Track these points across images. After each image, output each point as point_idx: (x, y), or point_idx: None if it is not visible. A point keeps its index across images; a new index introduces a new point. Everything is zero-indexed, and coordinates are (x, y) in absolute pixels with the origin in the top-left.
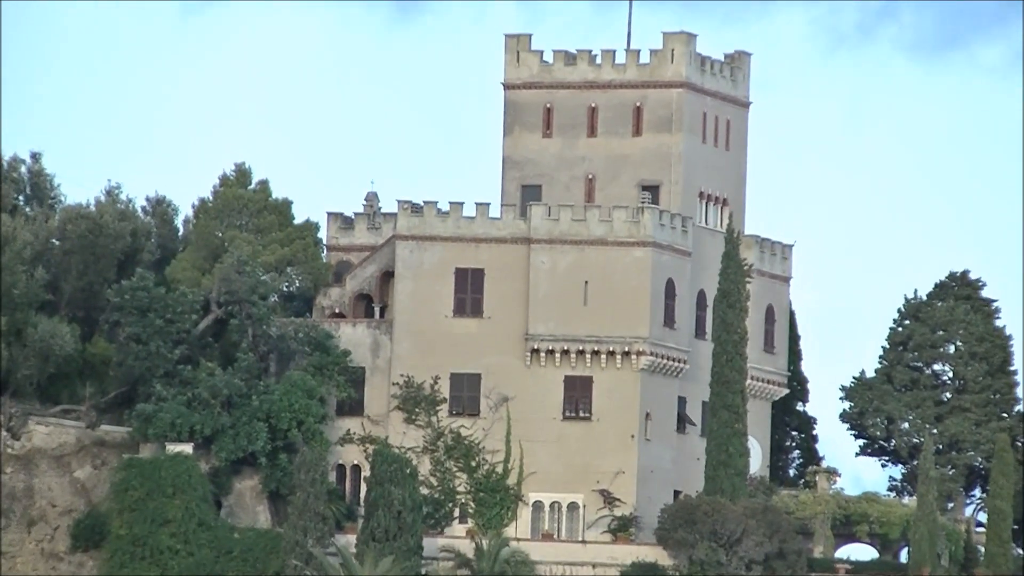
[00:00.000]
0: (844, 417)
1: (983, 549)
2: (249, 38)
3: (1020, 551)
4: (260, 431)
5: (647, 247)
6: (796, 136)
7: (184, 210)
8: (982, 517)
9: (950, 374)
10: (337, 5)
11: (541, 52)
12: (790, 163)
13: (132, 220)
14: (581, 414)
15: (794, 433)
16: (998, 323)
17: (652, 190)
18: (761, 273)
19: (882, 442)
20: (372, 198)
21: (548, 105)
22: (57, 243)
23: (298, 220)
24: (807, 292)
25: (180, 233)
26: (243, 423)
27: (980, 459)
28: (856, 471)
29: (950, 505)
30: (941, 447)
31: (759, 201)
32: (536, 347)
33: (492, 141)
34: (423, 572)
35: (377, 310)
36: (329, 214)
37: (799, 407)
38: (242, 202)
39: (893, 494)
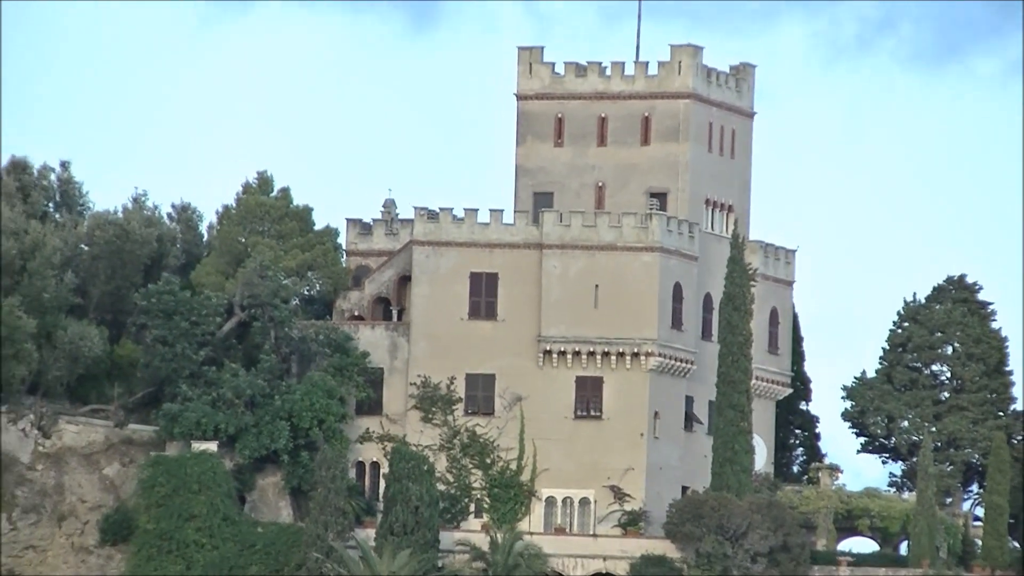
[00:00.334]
0: (846, 416)
1: (980, 542)
2: (270, 51)
3: (1016, 544)
4: (282, 430)
5: (655, 252)
6: (799, 145)
7: (208, 217)
8: (979, 512)
9: (948, 374)
10: (354, 19)
11: (552, 64)
12: (793, 171)
13: (158, 226)
14: (592, 413)
15: (797, 431)
16: (994, 325)
17: (660, 197)
18: (765, 277)
19: (882, 440)
20: (389, 205)
21: (559, 115)
22: (86, 249)
23: (318, 226)
24: (810, 295)
25: (204, 239)
26: (266, 422)
27: (977, 456)
28: (857, 468)
29: (948, 500)
30: (939, 444)
31: (763, 207)
32: (548, 348)
33: (505, 150)
34: (440, 565)
35: (395, 313)
36: (348, 220)
37: (802, 406)
38: (264, 209)
39: (893, 490)
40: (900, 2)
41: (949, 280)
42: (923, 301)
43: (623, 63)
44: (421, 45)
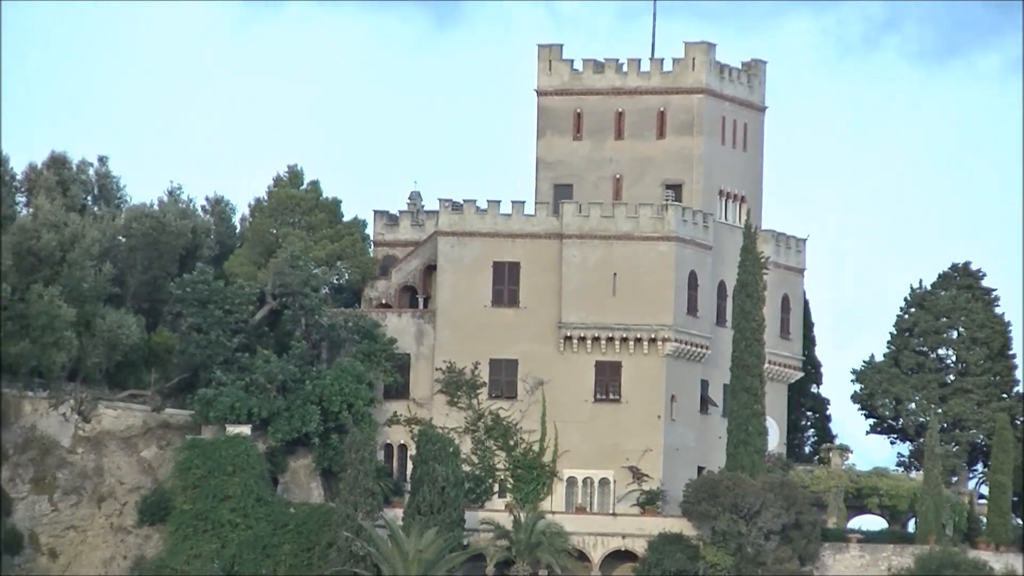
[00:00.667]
0: (855, 398)
1: (985, 520)
2: (300, 50)
3: (1019, 522)
4: (313, 413)
5: (671, 241)
6: (808, 138)
7: (241, 209)
8: (984, 490)
9: (953, 358)
10: (379, 19)
11: (571, 61)
12: (803, 163)
13: (192, 218)
14: (611, 396)
15: (809, 413)
16: (998, 311)
17: (675, 189)
18: (777, 265)
19: (891, 421)
20: (415, 197)
21: (578, 110)
22: (123, 240)
23: (347, 218)
24: (820, 282)
25: (237, 230)
26: (297, 406)
27: (982, 437)
28: (866, 448)
29: (954, 479)
30: (945, 426)
31: (775, 198)
32: (569, 334)
33: (526, 144)
34: (465, 543)
35: (421, 301)
36: (375, 212)
37: (813, 389)
38: (295, 201)
39: (901, 469)
40: (905, 2)
41: (954, 267)
42: (929, 288)
43: (639, 60)
44: (444, 43)
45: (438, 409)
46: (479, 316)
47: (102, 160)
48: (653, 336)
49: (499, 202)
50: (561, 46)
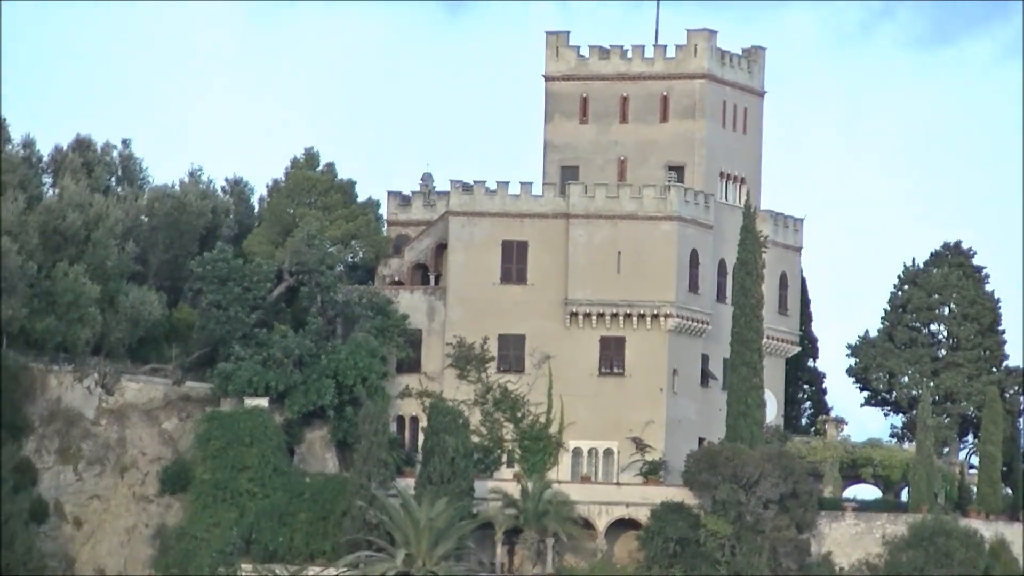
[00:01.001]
0: (850, 372)
1: (975, 489)
2: (317, 37)
3: (1008, 491)
4: (328, 387)
5: (673, 221)
6: (806, 122)
7: (259, 190)
8: (974, 461)
9: (945, 333)
10: (393, 7)
11: (578, 48)
12: (801, 146)
13: (212, 199)
14: (615, 370)
15: (805, 387)
16: (988, 288)
17: (678, 170)
18: (775, 244)
19: (884, 394)
20: (427, 178)
21: (584, 95)
22: (145, 220)
23: (361, 198)
24: (816, 261)
25: (256, 210)
26: (313, 380)
27: (972, 409)
28: (861, 420)
29: (945, 450)
30: (937, 398)
31: (773, 180)
32: (575, 311)
33: (534, 127)
34: (474, 512)
35: (432, 278)
36: (389, 193)
37: (810, 363)
38: (311, 183)
39: (894, 440)
40: None
41: (946, 246)
42: (922, 266)
43: (643, 46)
44: (455, 31)
45: (448, 382)
46: (488, 293)
47: (125, 143)
48: (656, 312)
49: (508, 183)
50: (568, 33)
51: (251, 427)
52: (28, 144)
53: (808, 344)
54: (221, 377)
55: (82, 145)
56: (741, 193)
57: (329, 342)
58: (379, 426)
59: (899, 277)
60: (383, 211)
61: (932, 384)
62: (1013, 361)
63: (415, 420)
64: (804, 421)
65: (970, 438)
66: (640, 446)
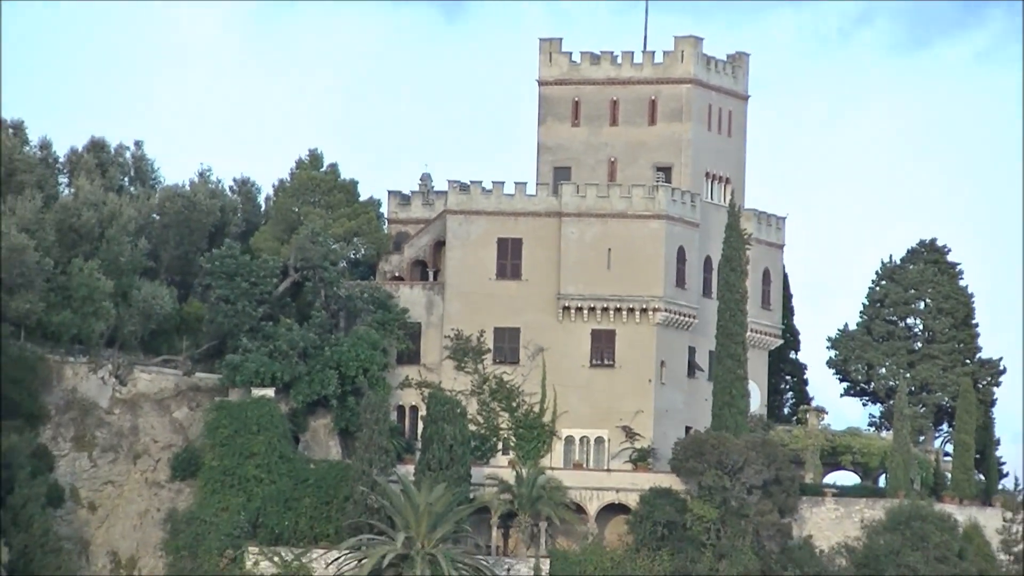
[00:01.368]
0: (830, 364)
1: (950, 476)
2: (320, 42)
3: (981, 477)
4: (331, 377)
5: (661, 219)
6: (788, 124)
7: (266, 189)
8: (949, 448)
9: (921, 327)
10: (392, 14)
11: (570, 53)
12: (783, 147)
13: (221, 198)
14: (606, 362)
15: (788, 377)
16: (962, 283)
17: (665, 171)
18: (759, 241)
19: (863, 385)
20: (426, 179)
21: (576, 99)
22: (157, 218)
23: (363, 197)
24: (798, 257)
25: (262, 209)
26: (317, 371)
27: (947, 399)
28: (841, 410)
29: (921, 438)
30: (913, 389)
31: (757, 180)
32: (567, 305)
33: (528, 130)
34: (471, 497)
35: (431, 274)
36: (389, 192)
37: (792, 355)
38: (315, 182)
39: (873, 429)
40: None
41: (922, 243)
42: (898, 262)
43: (632, 53)
44: (452, 37)
45: (447, 373)
46: (484, 288)
47: (138, 144)
48: (644, 306)
49: (503, 183)
50: (561, 40)
51: (258, 416)
52: (45, 145)
53: (790, 337)
54: (229, 368)
55: (97, 146)
56: (726, 193)
57: (332, 335)
58: (380, 415)
59: (877, 273)
60: (384, 210)
61: (908, 375)
62: (986, 353)
63: (415, 409)
64: (786, 410)
65: (945, 427)
66: (630, 434)
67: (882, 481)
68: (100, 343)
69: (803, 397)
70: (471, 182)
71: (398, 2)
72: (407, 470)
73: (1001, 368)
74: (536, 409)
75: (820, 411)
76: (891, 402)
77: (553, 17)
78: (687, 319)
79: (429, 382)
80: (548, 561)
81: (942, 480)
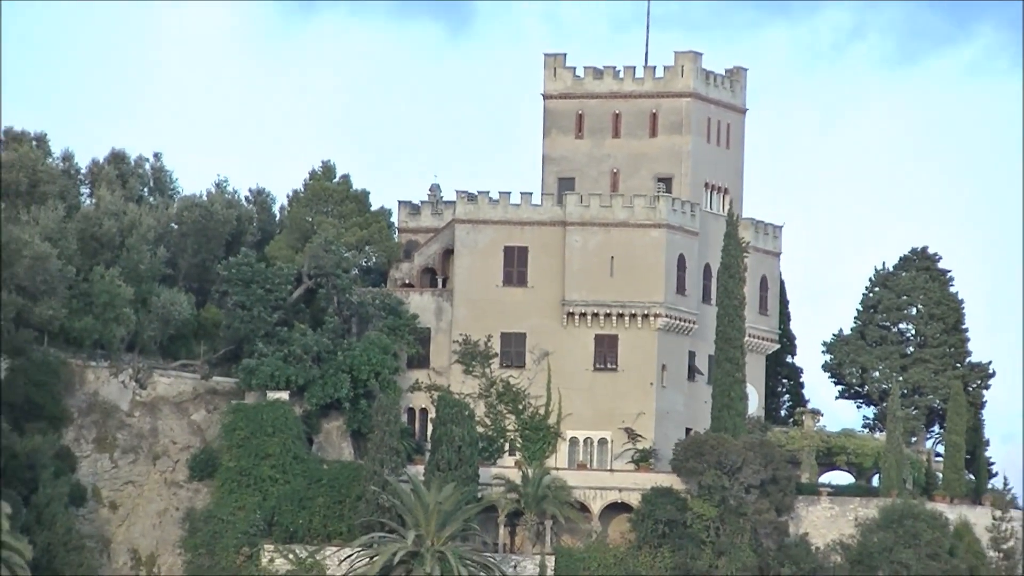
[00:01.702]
0: (826, 367)
1: (941, 475)
2: (331, 57)
3: (971, 476)
4: (344, 381)
5: (662, 228)
6: (784, 136)
7: (280, 199)
8: (940, 449)
9: (913, 332)
10: (401, 29)
11: (573, 68)
12: (779, 158)
13: (237, 208)
14: (609, 366)
15: (784, 381)
16: (952, 290)
17: (666, 181)
18: (756, 249)
19: (857, 388)
20: (435, 189)
21: (580, 112)
22: (175, 227)
23: (374, 207)
24: (794, 264)
25: (277, 218)
26: (330, 375)
27: (938, 402)
28: (836, 412)
29: (913, 439)
30: (906, 392)
31: (754, 190)
32: (571, 311)
33: (534, 142)
34: (479, 496)
35: (440, 281)
36: (400, 202)
37: (788, 359)
38: (328, 193)
39: (867, 430)
40: (868, 14)
41: (913, 251)
42: (891, 269)
43: (634, 67)
44: (460, 52)
45: (455, 377)
46: (492, 294)
47: (157, 156)
48: (646, 312)
49: (509, 193)
50: (565, 55)
51: (273, 418)
52: (67, 157)
53: (787, 342)
54: (245, 372)
55: (117, 158)
56: (724, 202)
57: (345, 340)
58: (391, 417)
59: (870, 280)
60: (394, 219)
61: (901, 378)
62: (976, 357)
63: (424, 412)
64: (783, 413)
65: (936, 428)
66: (632, 436)
67: (875, 481)
68: (121, 348)
69: (799, 400)
70: (478, 192)
71: (407, 19)
72: (417, 470)
73: (990, 371)
74: (541, 411)
75: (816, 413)
76: (884, 404)
77: (557, 33)
78: (687, 324)
79: (438, 385)
80: (553, 558)
81: (933, 480)
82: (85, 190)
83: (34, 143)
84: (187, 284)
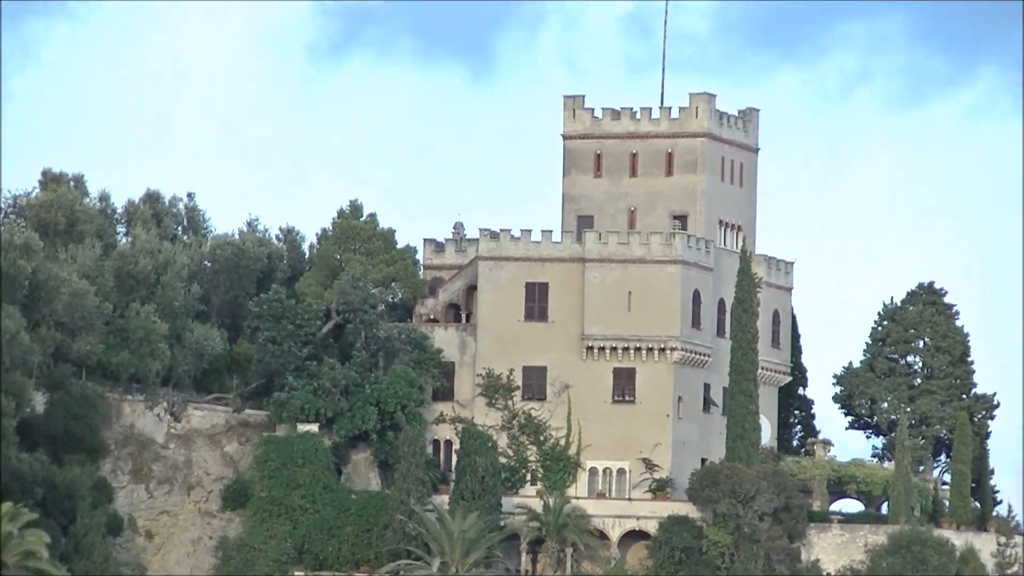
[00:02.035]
0: (836, 399)
1: (947, 503)
2: (360, 101)
3: (977, 504)
4: (371, 413)
5: (678, 264)
6: (795, 175)
7: (309, 238)
8: (946, 478)
9: (920, 364)
10: (426, 73)
11: (592, 110)
12: (791, 197)
13: (268, 246)
14: (627, 398)
15: (796, 412)
16: (958, 323)
17: (681, 219)
18: (768, 284)
19: (866, 418)
20: (459, 227)
21: (598, 152)
22: (208, 265)
23: (400, 245)
24: (805, 299)
25: (306, 256)
26: (358, 407)
27: (944, 432)
28: (846, 442)
29: (921, 468)
30: (913, 422)
31: (766, 227)
32: (590, 345)
33: (554, 181)
34: (502, 524)
35: (464, 316)
36: (425, 240)
37: (800, 391)
38: (355, 231)
39: (875, 460)
40: (874, 58)
41: (920, 286)
42: (899, 304)
43: (650, 108)
44: (482, 96)
45: (478, 409)
46: (514, 329)
47: (190, 196)
48: (662, 346)
49: (530, 231)
50: (583, 97)
51: (303, 449)
52: (104, 198)
53: (798, 374)
54: (276, 405)
55: (152, 198)
56: (738, 239)
57: (372, 373)
58: (417, 448)
59: (879, 314)
60: (420, 256)
61: (909, 409)
62: (981, 389)
63: (449, 443)
64: (795, 443)
65: (943, 457)
66: (649, 465)
67: (884, 508)
68: (156, 382)
69: (811, 430)
70: (501, 230)
71: (432, 64)
72: (442, 499)
73: (995, 402)
74: (562, 442)
75: (826, 443)
76: (892, 434)
77: (575, 76)
78: (702, 357)
79: (462, 417)
80: None
81: (940, 507)
82: (121, 229)
83: (72, 184)
84: (220, 320)
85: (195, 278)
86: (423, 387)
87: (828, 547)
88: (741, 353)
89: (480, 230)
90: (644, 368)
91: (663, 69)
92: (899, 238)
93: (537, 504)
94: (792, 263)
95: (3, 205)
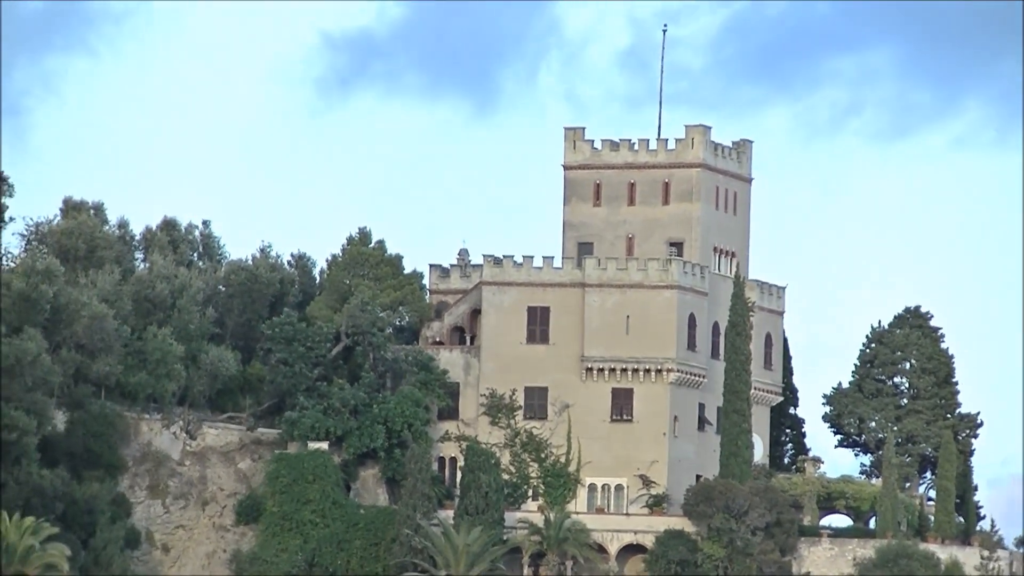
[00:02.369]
0: (826, 418)
1: (933, 518)
2: (367, 132)
3: (961, 519)
4: (379, 432)
5: (674, 289)
6: (787, 204)
7: (320, 263)
8: (932, 494)
9: (907, 385)
10: (433, 107)
11: (592, 141)
12: (783, 224)
13: (280, 271)
14: (624, 417)
15: (787, 431)
16: (943, 346)
17: (678, 246)
18: (761, 308)
19: (855, 437)
20: (464, 253)
21: (597, 181)
22: (223, 289)
23: (407, 270)
24: (797, 323)
25: (317, 281)
26: (366, 426)
27: (930, 450)
28: (835, 459)
29: (907, 485)
30: (900, 440)
31: (759, 253)
32: (590, 366)
33: (555, 209)
34: (505, 539)
35: (468, 339)
36: (431, 266)
37: (791, 411)
38: (364, 257)
39: (864, 476)
40: (863, 92)
41: (907, 310)
42: (887, 327)
43: (647, 140)
44: (486, 127)
45: (482, 428)
46: (516, 351)
47: (206, 223)
48: (659, 367)
49: (532, 257)
50: (584, 129)
51: (314, 466)
52: (123, 225)
53: (789, 394)
54: (288, 424)
55: (169, 225)
56: (732, 265)
57: (380, 394)
58: (423, 465)
59: (867, 336)
60: (426, 281)
61: (896, 428)
62: (965, 408)
63: (454, 460)
64: (786, 460)
65: (928, 474)
66: (646, 482)
67: (872, 523)
68: (172, 402)
69: (801, 448)
70: (504, 256)
71: (437, 97)
72: (447, 514)
73: (979, 421)
74: (562, 460)
75: (817, 461)
76: (880, 452)
77: (576, 109)
78: (697, 378)
79: (467, 436)
80: None
81: (926, 522)
82: (139, 255)
83: (92, 212)
84: (234, 342)
85: (210, 302)
86: (429, 407)
87: (818, 560)
88: (735, 374)
89: (484, 256)
90: (641, 388)
91: (660, 102)
92: (887, 264)
93: (538, 519)
94: (784, 288)
95: (25, 232)
